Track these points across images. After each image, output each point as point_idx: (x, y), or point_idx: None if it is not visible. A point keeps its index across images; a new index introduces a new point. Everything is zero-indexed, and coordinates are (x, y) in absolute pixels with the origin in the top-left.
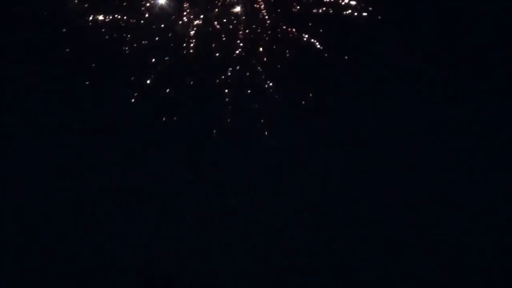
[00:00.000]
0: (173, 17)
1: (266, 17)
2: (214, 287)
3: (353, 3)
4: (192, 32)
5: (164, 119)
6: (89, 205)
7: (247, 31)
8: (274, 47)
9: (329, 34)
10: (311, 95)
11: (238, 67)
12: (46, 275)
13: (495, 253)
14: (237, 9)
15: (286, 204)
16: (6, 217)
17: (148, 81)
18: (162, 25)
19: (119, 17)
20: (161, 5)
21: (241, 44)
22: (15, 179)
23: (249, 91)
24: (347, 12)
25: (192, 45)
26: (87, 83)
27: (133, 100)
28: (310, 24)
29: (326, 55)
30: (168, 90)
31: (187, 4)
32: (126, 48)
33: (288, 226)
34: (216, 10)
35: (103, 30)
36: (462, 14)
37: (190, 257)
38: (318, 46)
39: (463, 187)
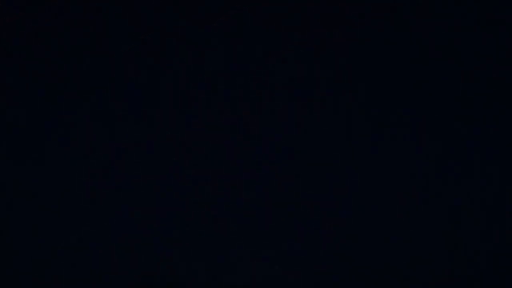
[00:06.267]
0: None
1: None
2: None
3: None
4: None
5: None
6: (87, 204)
7: None
8: None
9: None
10: None
11: None
12: (44, 275)
13: None
14: None
15: (288, 205)
16: (5, 216)
17: None
18: None
19: None
20: None
21: None
22: (14, 178)
23: None
24: None
25: None
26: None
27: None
28: None
29: None
30: None
31: None
32: None
33: (289, 226)
34: None
35: None
36: None
37: (190, 257)
38: None
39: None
